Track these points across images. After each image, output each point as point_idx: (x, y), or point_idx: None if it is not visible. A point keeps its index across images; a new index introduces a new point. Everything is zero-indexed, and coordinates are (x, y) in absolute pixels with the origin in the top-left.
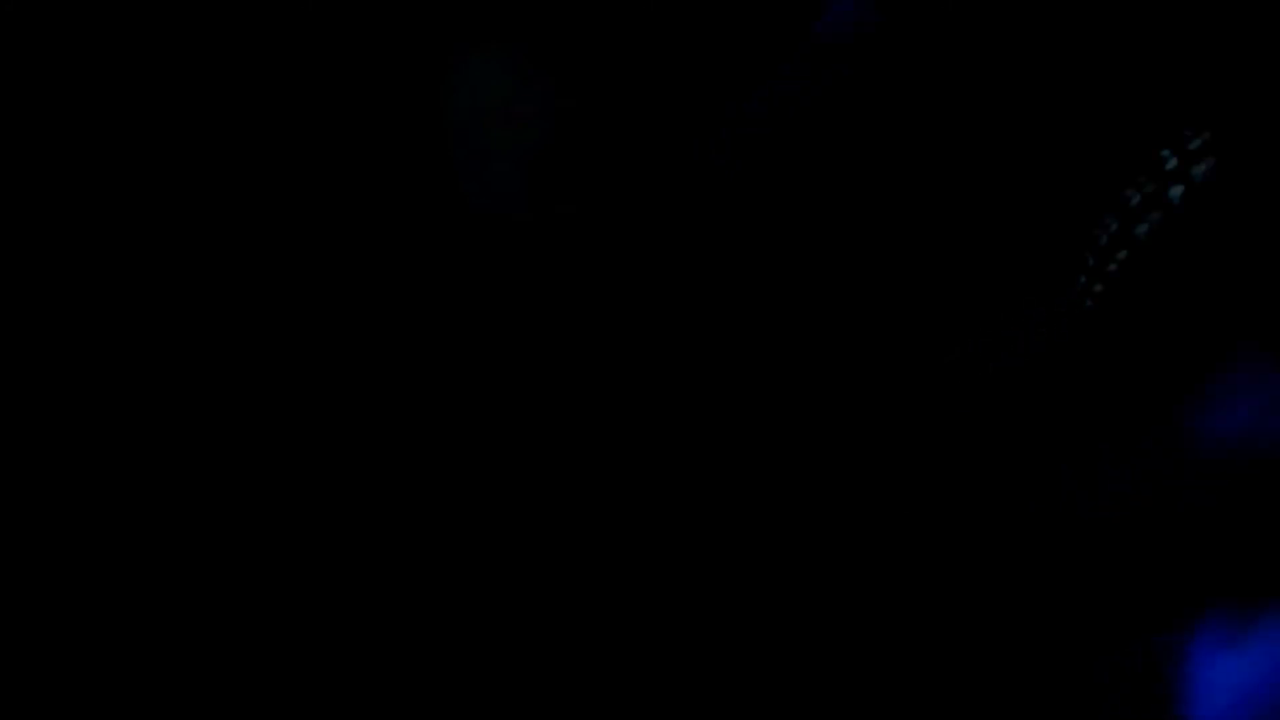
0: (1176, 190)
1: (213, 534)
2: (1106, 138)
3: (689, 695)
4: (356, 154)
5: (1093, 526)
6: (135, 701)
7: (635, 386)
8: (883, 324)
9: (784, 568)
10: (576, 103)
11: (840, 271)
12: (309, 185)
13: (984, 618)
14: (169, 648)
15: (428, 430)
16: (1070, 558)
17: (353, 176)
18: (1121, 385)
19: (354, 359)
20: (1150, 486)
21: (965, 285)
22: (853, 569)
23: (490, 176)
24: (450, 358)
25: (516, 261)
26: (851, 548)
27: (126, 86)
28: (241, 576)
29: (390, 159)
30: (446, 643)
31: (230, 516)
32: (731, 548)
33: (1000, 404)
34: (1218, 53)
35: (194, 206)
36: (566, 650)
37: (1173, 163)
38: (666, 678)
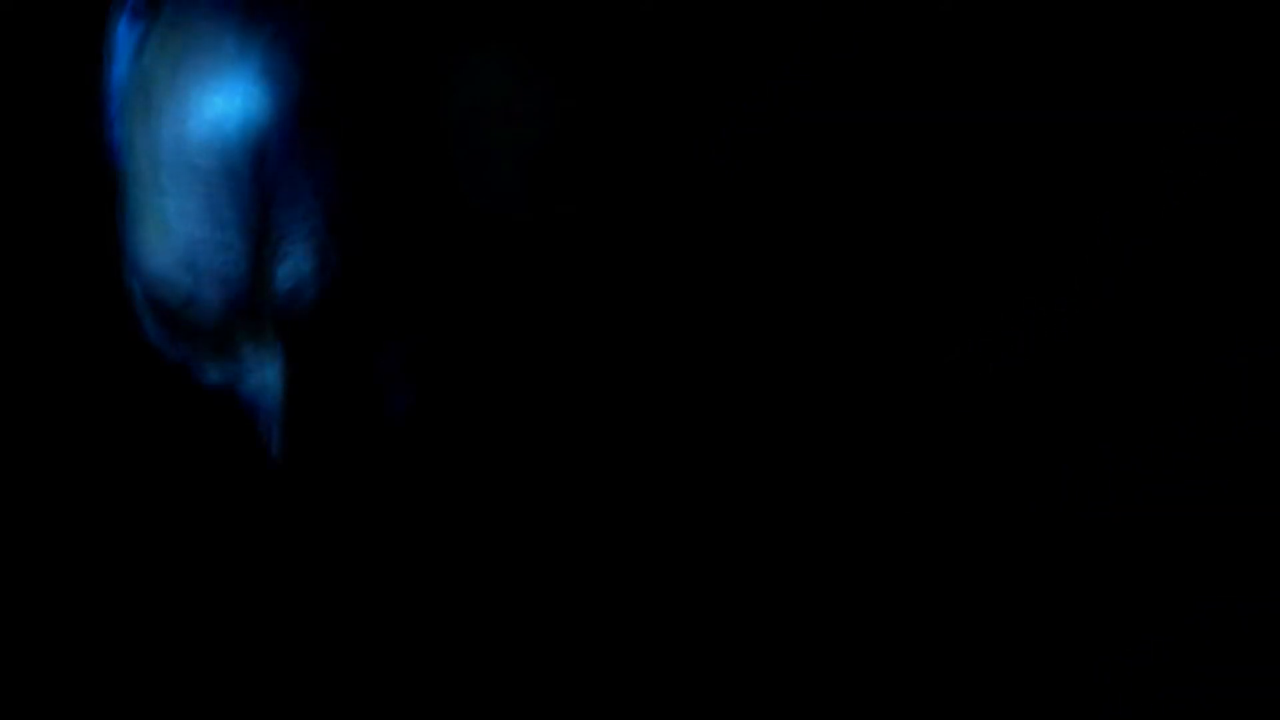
0: (1179, 188)
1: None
2: (1104, 140)
3: (689, 695)
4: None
5: (1093, 526)
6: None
7: (635, 385)
8: (883, 324)
9: (783, 568)
10: (576, 103)
11: (840, 271)
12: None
13: (984, 617)
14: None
15: (426, 432)
16: (1070, 558)
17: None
18: (1121, 385)
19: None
20: (1150, 486)
21: (965, 285)
22: (852, 569)
23: (490, 176)
24: (450, 356)
25: (516, 261)
26: (851, 548)
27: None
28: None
29: (390, 157)
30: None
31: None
32: (730, 547)
33: (1000, 404)
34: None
35: None
36: (565, 650)
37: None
38: (666, 678)
